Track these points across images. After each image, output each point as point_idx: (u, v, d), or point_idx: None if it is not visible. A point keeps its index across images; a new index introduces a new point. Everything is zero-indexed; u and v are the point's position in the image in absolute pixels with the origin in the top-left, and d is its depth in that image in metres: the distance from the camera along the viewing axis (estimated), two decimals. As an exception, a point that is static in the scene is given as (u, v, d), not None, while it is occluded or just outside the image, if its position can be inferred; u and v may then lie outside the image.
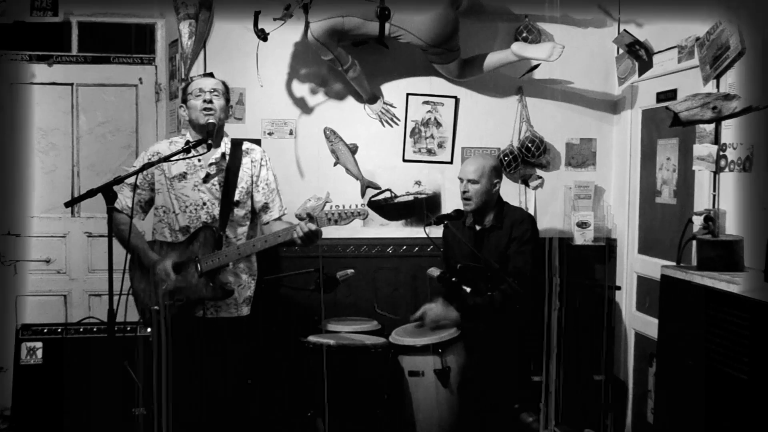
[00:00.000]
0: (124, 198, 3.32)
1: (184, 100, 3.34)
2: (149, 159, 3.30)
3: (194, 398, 3.27)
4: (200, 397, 3.29)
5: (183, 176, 3.31)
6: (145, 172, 3.30)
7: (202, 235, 3.25)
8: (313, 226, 3.06)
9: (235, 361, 3.40)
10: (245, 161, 3.37)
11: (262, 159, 3.41)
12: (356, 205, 3.05)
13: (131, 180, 3.23)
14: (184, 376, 3.22)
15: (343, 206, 3.06)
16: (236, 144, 3.40)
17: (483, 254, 3.64)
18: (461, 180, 3.83)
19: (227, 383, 3.36)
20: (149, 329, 3.94)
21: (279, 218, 3.43)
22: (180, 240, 3.30)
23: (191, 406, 3.27)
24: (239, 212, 3.35)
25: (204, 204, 3.30)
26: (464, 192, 3.80)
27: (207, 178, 3.30)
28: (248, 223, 3.40)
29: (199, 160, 3.30)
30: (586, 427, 4.05)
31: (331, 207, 3.06)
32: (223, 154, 3.34)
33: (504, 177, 4.33)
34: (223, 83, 3.36)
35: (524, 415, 3.51)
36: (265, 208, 3.41)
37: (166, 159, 3.13)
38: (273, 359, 4.01)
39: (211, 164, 3.31)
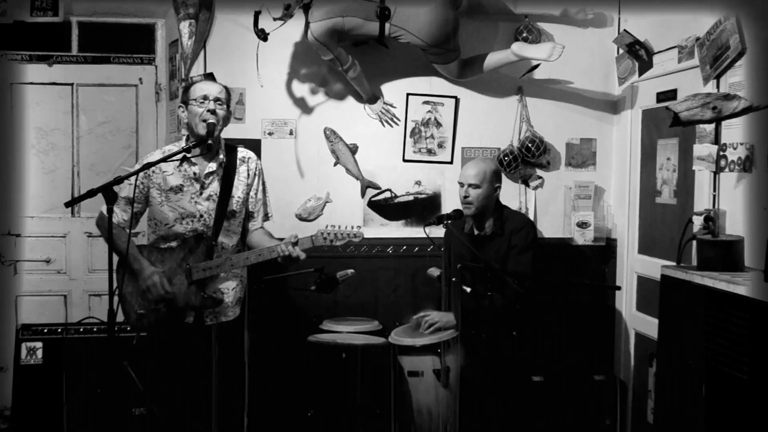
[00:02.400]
0: (121, 212, 3.30)
1: (185, 101, 3.28)
2: (145, 172, 3.25)
3: (194, 402, 3.28)
4: (200, 400, 3.30)
5: (179, 189, 3.27)
6: (141, 186, 3.29)
7: (194, 244, 3.25)
8: (294, 253, 3.13)
9: (236, 363, 3.40)
10: (241, 170, 3.35)
11: (256, 168, 3.40)
12: (353, 227, 3.19)
13: (126, 194, 3.26)
14: (184, 380, 3.24)
15: (340, 227, 3.17)
16: (231, 152, 3.35)
17: (474, 258, 3.64)
18: (461, 184, 3.81)
19: (227, 386, 3.36)
20: (139, 334, 3.96)
21: (261, 227, 3.44)
22: (173, 247, 3.29)
23: (190, 410, 3.29)
24: (234, 221, 3.34)
25: (201, 216, 3.28)
26: (465, 197, 3.78)
27: (203, 189, 3.29)
28: (240, 230, 3.40)
29: (195, 173, 3.28)
30: None
31: (327, 227, 3.19)
32: (221, 164, 3.31)
33: (504, 177, 4.34)
34: (226, 90, 3.31)
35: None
36: (250, 216, 3.41)
37: (165, 159, 3.12)
38: (273, 359, 4.01)
39: (207, 174, 3.29)
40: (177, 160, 3.19)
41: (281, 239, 3.23)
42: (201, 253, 3.24)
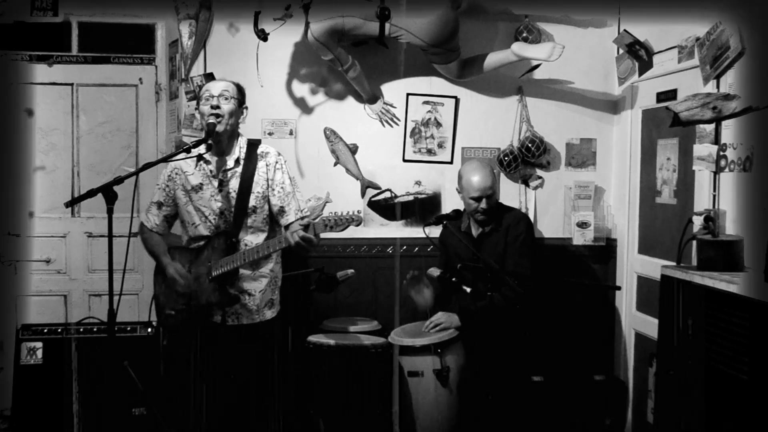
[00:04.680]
0: (153, 217, 3.40)
1: (198, 103, 3.35)
2: (169, 174, 3.36)
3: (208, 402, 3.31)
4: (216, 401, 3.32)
5: (200, 187, 3.30)
6: (168, 189, 3.36)
7: (216, 241, 3.27)
8: (302, 233, 3.05)
9: (261, 366, 3.39)
10: (260, 165, 3.32)
11: (276, 162, 3.35)
12: (352, 212, 3.04)
13: (157, 198, 3.38)
14: (200, 380, 3.27)
15: (339, 213, 3.07)
16: (252, 148, 3.34)
17: (474, 257, 3.64)
18: (479, 198, 3.69)
19: (253, 387, 3.37)
20: (149, 330, 3.98)
21: (297, 221, 3.35)
22: (201, 246, 3.33)
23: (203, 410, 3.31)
24: (257, 218, 3.33)
25: (222, 213, 3.29)
26: (485, 209, 3.70)
27: (221, 186, 3.29)
28: (268, 228, 3.38)
29: (211, 171, 3.29)
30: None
31: (328, 213, 3.08)
32: (237, 160, 3.31)
33: (504, 177, 4.35)
34: (236, 85, 3.31)
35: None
36: (281, 211, 3.35)
37: (165, 159, 3.14)
38: (273, 359, 4.01)
39: (224, 170, 3.29)
40: (176, 160, 3.20)
41: None
42: (221, 250, 3.25)
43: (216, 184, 3.29)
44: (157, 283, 3.42)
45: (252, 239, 3.31)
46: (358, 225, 3.05)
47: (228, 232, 3.27)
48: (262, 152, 3.36)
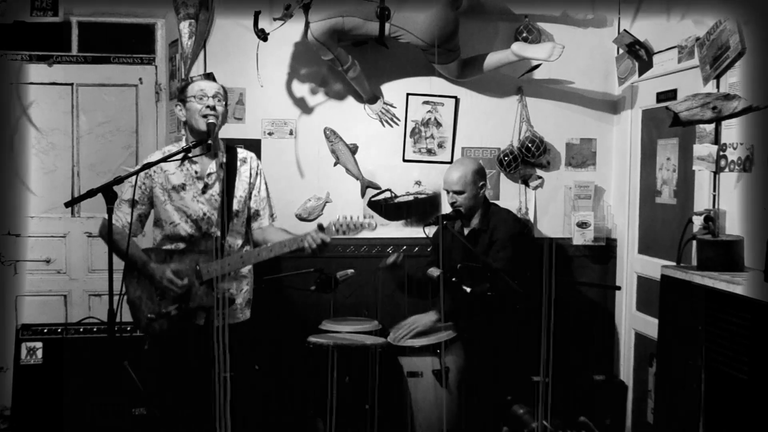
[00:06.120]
0: (124, 215, 3.26)
1: (182, 100, 3.27)
2: (146, 172, 3.24)
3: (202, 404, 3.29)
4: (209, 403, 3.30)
5: (182, 187, 3.26)
6: (143, 187, 3.28)
7: (203, 244, 3.24)
8: (327, 238, 3.09)
9: (247, 365, 3.39)
10: (243, 170, 3.35)
11: (258, 166, 3.40)
12: (365, 217, 3.12)
13: (129, 197, 3.23)
14: (195, 383, 3.24)
15: (352, 218, 3.11)
16: (231, 152, 3.35)
17: (465, 257, 3.63)
18: (447, 191, 3.83)
19: (239, 387, 3.36)
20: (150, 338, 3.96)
21: (271, 225, 3.43)
22: (181, 248, 3.28)
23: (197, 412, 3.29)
24: (238, 221, 3.34)
25: (204, 215, 3.28)
26: (452, 202, 3.82)
27: (205, 189, 3.28)
28: (244, 230, 3.39)
29: (196, 172, 3.28)
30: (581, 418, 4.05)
31: (338, 218, 3.12)
32: (221, 164, 3.30)
33: (504, 177, 4.35)
34: (223, 88, 3.32)
35: (516, 407, 3.54)
36: (256, 215, 3.40)
37: (165, 159, 3.11)
38: (273, 359, 4.01)
39: (209, 174, 3.28)
40: (177, 159, 3.19)
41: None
42: (209, 252, 3.23)
43: (201, 186, 3.27)
44: (131, 286, 3.26)
45: (231, 241, 3.31)
46: (373, 230, 3.14)
47: (215, 234, 3.26)
48: (244, 158, 3.38)
